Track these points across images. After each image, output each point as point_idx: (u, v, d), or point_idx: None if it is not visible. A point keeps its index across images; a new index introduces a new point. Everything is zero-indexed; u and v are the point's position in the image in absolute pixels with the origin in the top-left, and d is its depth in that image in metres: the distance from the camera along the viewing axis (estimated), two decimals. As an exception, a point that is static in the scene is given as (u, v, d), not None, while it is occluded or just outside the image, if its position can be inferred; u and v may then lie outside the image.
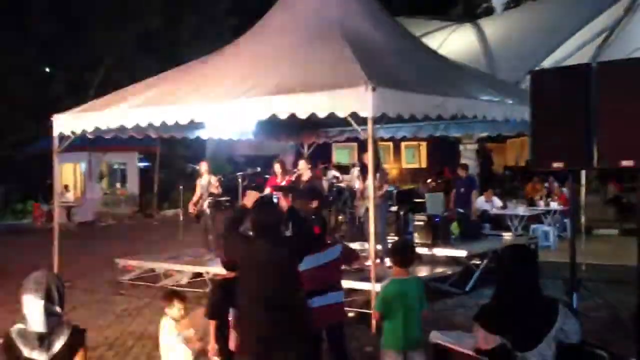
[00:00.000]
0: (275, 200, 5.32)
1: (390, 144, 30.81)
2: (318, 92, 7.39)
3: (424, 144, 29.83)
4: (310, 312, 4.12)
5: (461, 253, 9.30)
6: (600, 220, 16.25)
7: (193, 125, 10.58)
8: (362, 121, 7.36)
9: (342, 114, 7.33)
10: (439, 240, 9.72)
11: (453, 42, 13.84)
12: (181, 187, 12.02)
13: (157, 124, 8.83)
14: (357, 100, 7.07)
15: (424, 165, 30.35)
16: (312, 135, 14.03)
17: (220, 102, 8.07)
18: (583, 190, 11.52)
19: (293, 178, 10.17)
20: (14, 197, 21.59)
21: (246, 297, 3.86)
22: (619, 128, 4.27)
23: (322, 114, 7.43)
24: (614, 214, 16.79)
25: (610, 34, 10.87)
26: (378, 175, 9.97)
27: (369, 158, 7.48)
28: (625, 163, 4.26)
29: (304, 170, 10.35)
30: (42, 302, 2.96)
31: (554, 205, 14.51)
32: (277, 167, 10.59)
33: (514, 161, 27.92)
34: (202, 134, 11.87)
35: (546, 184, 16.08)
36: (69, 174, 21.90)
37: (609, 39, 11.03)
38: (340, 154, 29.52)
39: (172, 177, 22.52)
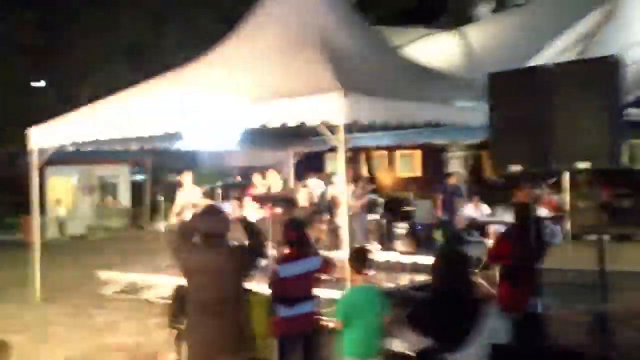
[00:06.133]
0: (225, 209, 5.27)
1: (385, 153, 30.84)
2: (288, 100, 7.35)
3: (418, 153, 29.78)
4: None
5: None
6: (591, 225, 16.18)
7: (172, 136, 10.59)
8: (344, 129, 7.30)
9: (313, 121, 7.26)
10: (421, 248, 9.69)
11: (436, 49, 13.82)
12: (161, 197, 11.94)
13: (132, 135, 8.79)
14: (328, 107, 7.03)
15: (418, 174, 30.28)
16: (299, 144, 13.98)
17: (188, 112, 8.05)
18: (567, 195, 11.47)
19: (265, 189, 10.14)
20: (7, 210, 21.54)
21: (193, 306, 3.84)
22: (575, 129, 4.23)
23: (292, 123, 7.38)
24: (605, 219, 16.71)
25: (589, 39, 10.86)
26: (360, 184, 10.00)
27: (339, 166, 7.42)
28: (581, 164, 4.22)
29: (274, 180, 10.31)
30: None
31: (543, 212, 14.43)
32: (256, 178, 10.60)
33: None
34: (182, 145, 11.81)
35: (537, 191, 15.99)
36: (61, 187, 21.87)
37: (588, 44, 11.02)
38: (333, 164, 29.47)
39: (163, 189, 22.46)
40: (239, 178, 11.72)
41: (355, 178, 9.93)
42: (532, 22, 12.91)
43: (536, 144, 4.37)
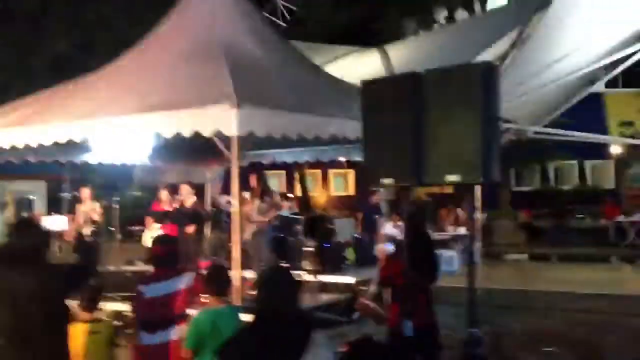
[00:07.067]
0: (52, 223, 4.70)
1: (319, 171, 30.64)
2: (182, 110, 6.96)
3: (351, 172, 29.71)
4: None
5: (349, 279, 8.94)
6: (511, 245, 16.33)
7: (78, 148, 10.03)
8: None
9: (207, 132, 6.91)
10: (329, 267, 9.37)
11: (359, 66, 13.67)
12: (52, 213, 11.30)
13: (20, 146, 8.18)
14: (221, 118, 6.68)
15: (351, 192, 30.18)
16: (216, 160, 13.48)
17: (76, 121, 7.54)
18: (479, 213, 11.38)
19: (176, 205, 9.72)
20: None
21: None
22: (446, 141, 3.96)
23: (186, 133, 6.98)
24: (524, 239, 16.89)
25: (503, 60, 10.84)
26: (267, 199, 9.63)
27: (233, 180, 7.04)
28: (450, 178, 3.94)
29: (187, 196, 9.91)
30: None
31: (461, 230, 14.42)
32: (163, 194, 10.13)
33: (439, 188, 28.04)
34: (90, 158, 11.21)
35: (458, 210, 16.03)
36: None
37: (502, 65, 11.02)
38: (269, 182, 28.98)
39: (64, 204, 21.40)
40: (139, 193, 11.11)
41: (262, 194, 9.55)
42: (451, 42, 12.91)
43: (408, 156, 4.08)
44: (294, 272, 2.90)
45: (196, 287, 4.77)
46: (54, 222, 10.32)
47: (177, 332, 4.54)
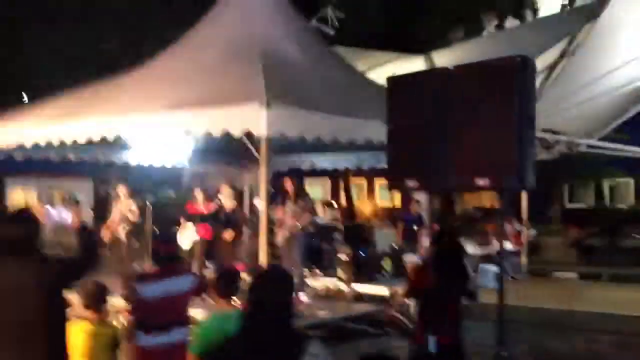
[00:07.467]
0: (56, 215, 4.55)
1: (365, 181, 30.29)
2: (211, 108, 6.81)
3: (397, 182, 29.18)
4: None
5: (382, 290, 8.60)
6: (560, 262, 15.66)
7: (117, 147, 10.05)
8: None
9: (237, 132, 6.73)
10: (363, 276, 9.08)
11: (403, 72, 13.35)
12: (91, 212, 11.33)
13: (55, 143, 8.18)
14: (250, 118, 6.49)
15: (398, 204, 29.66)
16: (253, 164, 13.37)
17: (107, 119, 7.48)
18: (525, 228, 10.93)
19: (212, 207, 9.61)
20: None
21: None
22: (476, 141, 3.64)
23: (216, 132, 6.83)
24: (575, 257, 16.20)
25: (552, 70, 10.41)
26: (300, 203, 9.40)
27: (261, 182, 6.85)
28: (480, 182, 3.61)
29: (227, 198, 9.78)
30: None
31: (508, 245, 13.82)
32: (198, 194, 10.03)
33: (488, 201, 27.30)
34: (130, 158, 11.22)
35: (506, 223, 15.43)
36: (21, 200, 21.10)
37: (551, 74, 10.57)
38: (313, 190, 28.71)
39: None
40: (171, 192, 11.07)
41: (296, 198, 9.32)
42: (499, 49, 12.45)
43: (434, 156, 3.78)
44: (290, 275, 2.64)
45: (199, 289, 4.56)
46: (58, 215, 10.44)
47: (183, 335, 4.34)
